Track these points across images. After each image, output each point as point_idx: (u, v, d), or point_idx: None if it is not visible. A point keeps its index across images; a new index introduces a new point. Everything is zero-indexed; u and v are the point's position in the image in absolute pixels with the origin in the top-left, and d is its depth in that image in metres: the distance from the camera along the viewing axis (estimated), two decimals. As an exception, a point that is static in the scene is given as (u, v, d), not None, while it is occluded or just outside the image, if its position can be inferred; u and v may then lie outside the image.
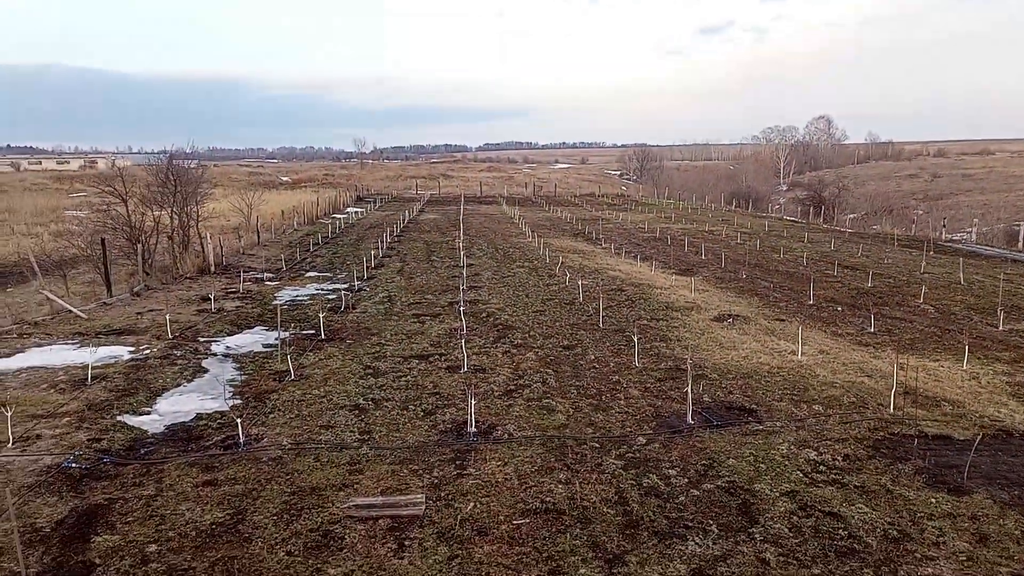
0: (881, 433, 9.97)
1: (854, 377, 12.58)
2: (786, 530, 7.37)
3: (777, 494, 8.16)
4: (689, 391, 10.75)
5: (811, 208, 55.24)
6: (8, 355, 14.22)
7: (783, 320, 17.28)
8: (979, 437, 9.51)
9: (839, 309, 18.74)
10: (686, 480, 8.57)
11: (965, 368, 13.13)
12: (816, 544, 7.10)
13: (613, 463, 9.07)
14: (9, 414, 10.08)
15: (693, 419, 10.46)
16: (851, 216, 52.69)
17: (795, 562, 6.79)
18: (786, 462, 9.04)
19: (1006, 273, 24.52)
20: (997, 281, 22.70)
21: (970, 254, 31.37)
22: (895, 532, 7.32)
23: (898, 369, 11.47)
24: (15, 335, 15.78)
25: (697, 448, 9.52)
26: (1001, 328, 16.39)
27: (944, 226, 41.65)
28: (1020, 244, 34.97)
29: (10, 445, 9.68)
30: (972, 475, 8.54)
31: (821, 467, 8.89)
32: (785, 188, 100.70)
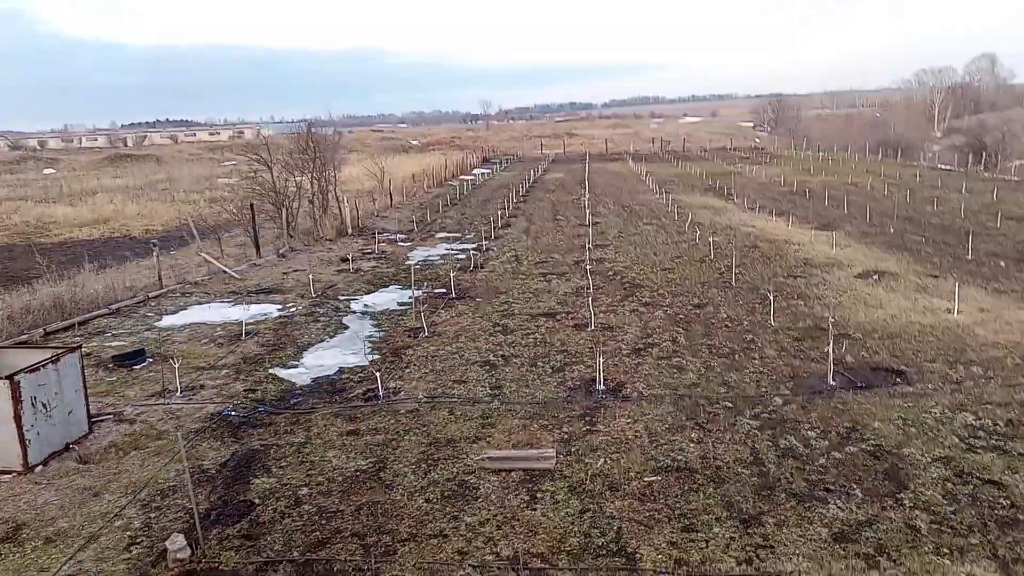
0: (1052, 398, 9.11)
1: (1019, 337, 11.51)
2: (939, 497, 6.92)
3: (929, 459, 7.66)
4: (831, 350, 10.21)
5: (970, 155, 50.50)
6: (174, 312, 15.58)
7: (937, 276, 16.02)
8: None
9: (1002, 264, 17.13)
10: (827, 442, 8.20)
11: None
12: (973, 512, 6.63)
13: (748, 423, 8.81)
14: (176, 366, 11.07)
15: (834, 379, 9.96)
16: (1018, 163, 47.65)
17: (949, 530, 6.38)
18: (939, 426, 8.45)
19: None
20: None
21: None
22: (1066, 504, 6.70)
23: (1073, 329, 10.39)
24: (179, 294, 17.25)
25: (839, 410, 9.07)
26: None
27: None
28: None
29: (178, 394, 10.65)
30: None
31: (980, 432, 8.24)
32: (940, 135, 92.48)
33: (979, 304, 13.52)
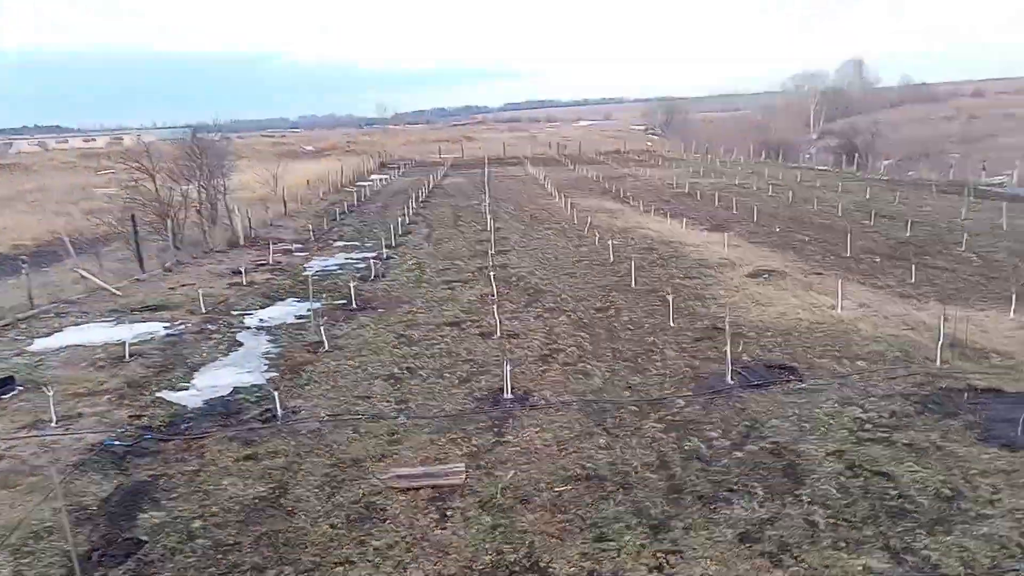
0: (928, 388, 9.72)
1: (897, 331, 12.26)
2: (834, 491, 7.21)
3: (823, 454, 7.99)
4: (728, 350, 10.54)
5: (844, 156, 53.85)
6: (47, 334, 14.42)
7: (820, 274, 16.89)
8: (1032, 389, 9.21)
9: (878, 260, 18.27)
10: (729, 442, 8.43)
11: (1012, 318, 12.73)
12: (866, 505, 6.94)
13: (653, 426, 8.94)
14: (51, 393, 10.20)
15: (733, 379, 10.27)
16: (886, 163, 51.19)
17: (845, 523, 6.65)
18: (831, 421, 8.84)
19: (1051, 217, 23.70)
20: (1042, 225, 21.96)
21: (1013, 198, 30.36)
22: (947, 491, 7.12)
23: (943, 321, 11.11)
24: (53, 314, 16.00)
25: (738, 409, 9.35)
26: (1049, 274, 15.85)
27: (984, 169, 40.33)
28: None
29: (54, 424, 9.82)
30: (1026, 429, 8.27)
31: (867, 425, 8.68)
32: (816, 137, 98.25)
33: (860, 300, 14.33)
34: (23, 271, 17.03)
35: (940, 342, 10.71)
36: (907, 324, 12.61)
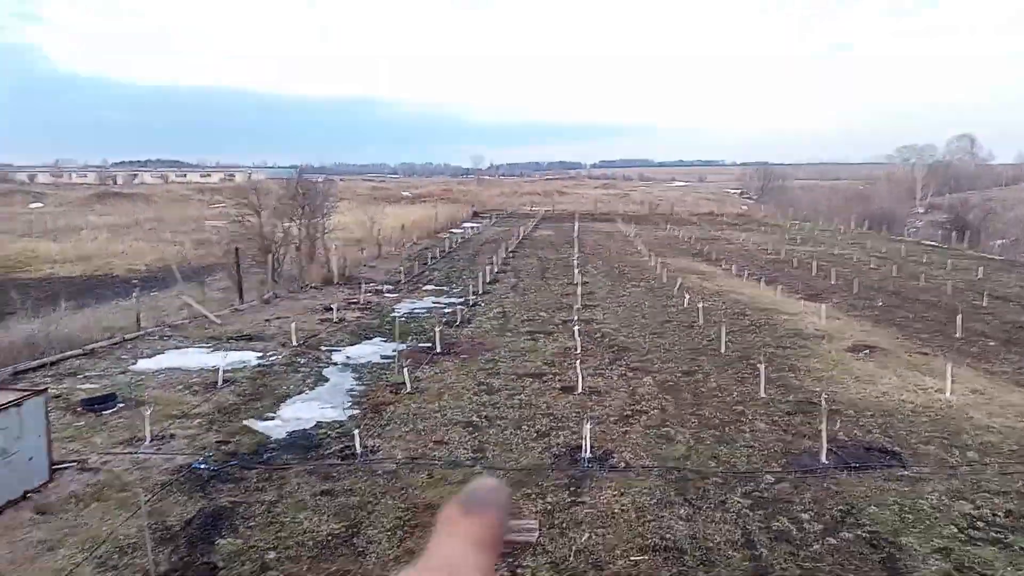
0: (1049, 488, 8.87)
1: (1014, 422, 11.33)
2: (940, 593, 6.61)
3: (928, 550, 7.36)
4: (824, 427, 9.97)
5: (953, 232, 51.35)
6: (150, 356, 15.13)
7: (927, 354, 15.91)
8: None
9: (992, 344, 17.09)
10: (821, 526, 7.90)
11: None
12: (977, 612, 6.31)
13: (739, 501, 8.49)
14: (147, 413, 10.62)
15: (827, 459, 9.69)
16: (1000, 242, 48.44)
17: (952, 631, 6.05)
18: (937, 514, 8.17)
19: None
20: None
21: None
22: (1072, 606, 6.41)
23: (1068, 416, 10.22)
24: (157, 337, 16.82)
25: (832, 491, 8.78)
26: None
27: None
28: None
29: (147, 443, 10.19)
30: None
31: (979, 523, 7.96)
32: (923, 211, 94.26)
33: (971, 385, 13.37)
34: (134, 294, 18.04)
35: (1063, 438, 9.83)
36: (1024, 415, 11.65)
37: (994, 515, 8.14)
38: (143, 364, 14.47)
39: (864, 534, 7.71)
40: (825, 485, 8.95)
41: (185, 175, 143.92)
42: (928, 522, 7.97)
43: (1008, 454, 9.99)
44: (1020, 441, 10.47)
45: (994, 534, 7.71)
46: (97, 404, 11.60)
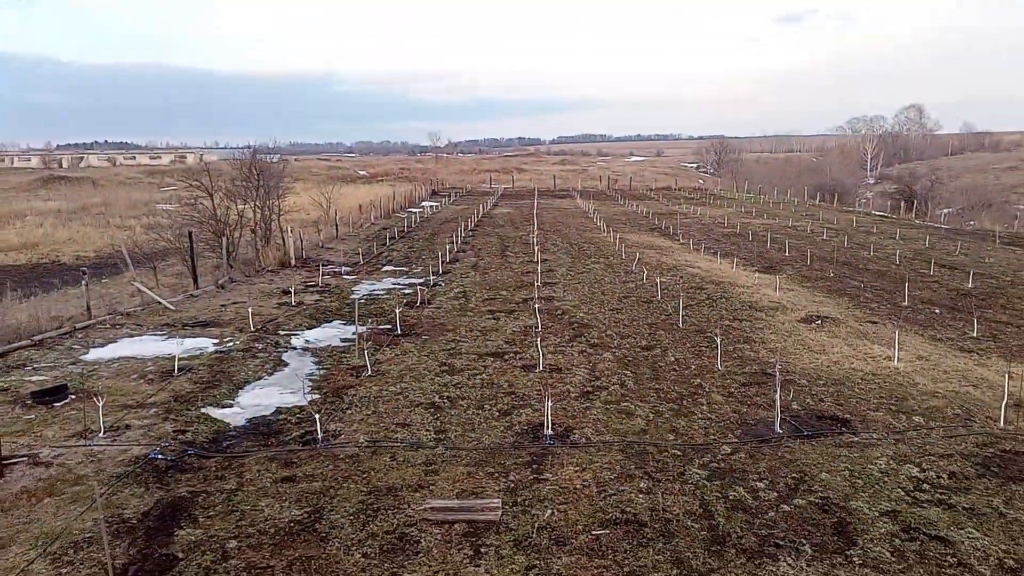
0: (991, 449, 9.24)
1: (958, 386, 11.75)
2: (887, 554, 6.85)
3: (876, 513, 7.62)
4: (778, 398, 10.21)
5: (902, 202, 52.67)
6: (102, 345, 14.78)
7: (876, 323, 16.37)
8: (1104, 458, 8.69)
9: (937, 311, 17.65)
10: (775, 494, 8.11)
11: (1083, 379, 12.09)
12: (922, 571, 6.57)
13: (697, 472, 8.67)
14: (100, 404, 10.40)
15: (781, 428, 9.94)
16: (946, 211, 49.87)
17: (899, 590, 6.29)
18: (885, 478, 8.45)
19: (1124, 274, 22.64)
20: (1115, 283, 20.98)
21: (1081, 253, 29.16)
22: (1011, 561, 6.71)
23: (1008, 379, 10.60)
24: (109, 325, 16.42)
25: (786, 460, 9.02)
26: (1122, 335, 15.08)
27: (1050, 222, 38.95)
28: None
29: (101, 434, 9.99)
30: (1098, 500, 7.79)
31: (925, 485, 8.27)
32: (873, 181, 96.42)
33: (917, 352, 13.82)
34: (83, 282, 17.56)
35: (1004, 401, 10.23)
36: (968, 380, 12.09)
37: (938, 477, 8.45)
38: (95, 354, 14.13)
39: (816, 500, 7.94)
40: (779, 454, 9.19)
41: (134, 157, 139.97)
42: (877, 486, 8.25)
43: (952, 418, 10.37)
44: (963, 405, 10.87)
45: (939, 496, 8.01)
46: (48, 396, 11.31)
